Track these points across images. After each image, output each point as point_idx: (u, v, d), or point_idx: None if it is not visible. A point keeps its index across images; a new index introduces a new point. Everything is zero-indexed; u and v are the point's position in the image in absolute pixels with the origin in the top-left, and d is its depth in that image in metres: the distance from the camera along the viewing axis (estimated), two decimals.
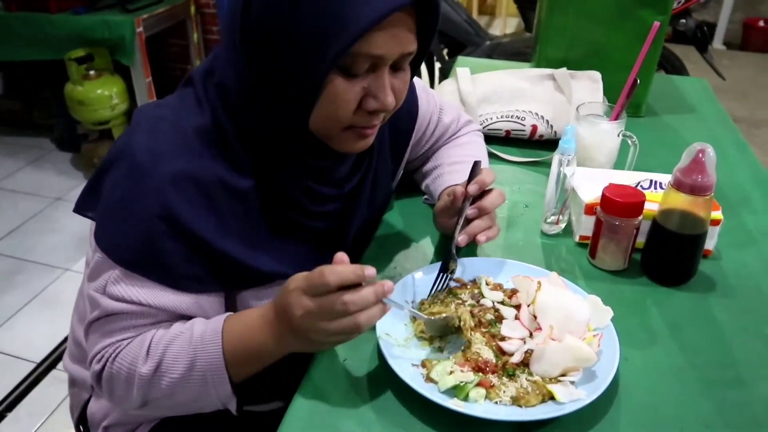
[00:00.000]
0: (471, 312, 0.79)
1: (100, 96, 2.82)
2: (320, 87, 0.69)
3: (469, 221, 0.89)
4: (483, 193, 0.90)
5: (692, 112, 1.53)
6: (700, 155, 0.84)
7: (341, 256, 0.66)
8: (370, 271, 0.64)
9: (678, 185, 0.86)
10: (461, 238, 0.87)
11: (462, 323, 0.76)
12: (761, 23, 4.97)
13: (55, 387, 1.95)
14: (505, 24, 5.35)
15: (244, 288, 0.82)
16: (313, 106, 0.72)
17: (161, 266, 0.72)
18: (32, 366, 2.02)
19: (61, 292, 2.37)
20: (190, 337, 0.72)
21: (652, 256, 0.93)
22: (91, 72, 2.83)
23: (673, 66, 2.93)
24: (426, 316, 0.76)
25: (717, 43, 5.04)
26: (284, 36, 0.67)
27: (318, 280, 0.63)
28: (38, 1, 2.78)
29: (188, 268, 0.74)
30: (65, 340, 2.12)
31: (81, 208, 0.78)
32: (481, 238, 0.87)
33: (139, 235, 0.71)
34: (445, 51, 3.33)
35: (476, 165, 0.92)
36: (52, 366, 2.03)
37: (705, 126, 1.45)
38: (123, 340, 0.73)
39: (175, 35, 3.32)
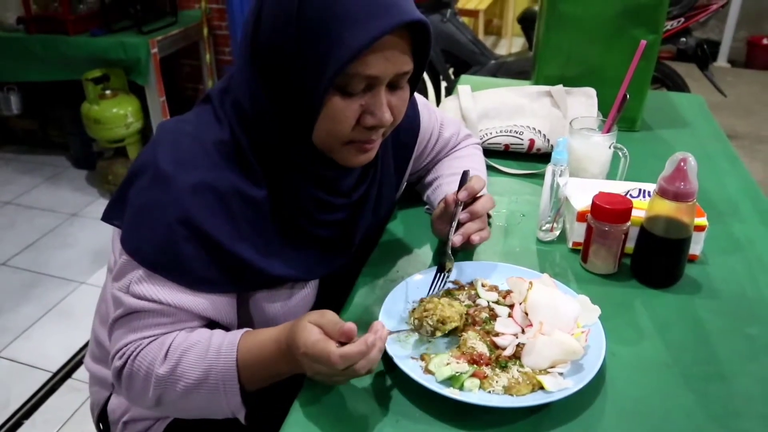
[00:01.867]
0: (468, 313, 0.84)
1: (115, 115, 2.91)
2: (320, 105, 0.75)
3: (462, 224, 0.95)
4: (475, 199, 0.97)
5: (686, 127, 1.58)
6: (683, 164, 0.89)
7: (350, 328, 0.69)
8: (377, 339, 0.69)
9: (662, 192, 0.91)
10: (456, 239, 0.94)
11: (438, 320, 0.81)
12: (765, 41, 5.02)
13: (70, 395, 2.01)
14: (511, 44, 5.45)
15: (256, 290, 0.87)
16: (314, 123, 0.78)
17: (180, 268, 0.78)
18: (48, 375, 2.08)
19: (76, 304, 2.43)
20: (208, 346, 0.76)
21: (641, 260, 0.98)
22: (107, 92, 2.93)
23: (674, 83, 3.00)
24: (408, 328, 0.83)
25: (721, 61, 5.09)
26: (288, 58, 0.74)
27: (326, 361, 0.68)
28: (57, 23, 2.89)
29: (205, 270, 0.79)
30: (80, 350, 2.18)
31: (108, 217, 0.84)
32: (474, 238, 0.94)
33: (161, 238, 0.77)
34: (451, 70, 3.41)
35: (465, 174, 0.99)
36: (68, 375, 2.09)
37: (697, 140, 1.51)
38: (144, 338, 0.78)
39: (188, 56, 3.42)
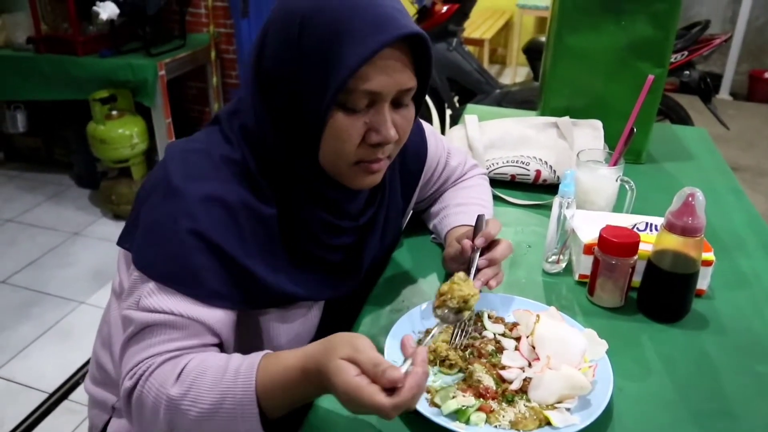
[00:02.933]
0: (473, 344, 0.84)
1: (121, 135, 2.92)
2: (323, 123, 0.76)
3: (479, 270, 0.93)
4: (491, 242, 0.94)
5: (691, 160, 1.59)
6: (690, 199, 0.89)
7: (397, 378, 0.63)
8: (422, 373, 0.65)
9: (670, 227, 0.91)
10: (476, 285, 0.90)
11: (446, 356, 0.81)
12: (767, 75, 5.07)
13: (66, 417, 1.99)
14: (516, 73, 5.51)
15: (263, 308, 0.86)
16: (319, 142, 0.78)
17: (192, 279, 0.76)
18: (44, 396, 2.06)
19: (75, 324, 2.42)
20: (225, 369, 0.71)
21: (648, 294, 0.98)
22: (114, 112, 2.95)
23: (678, 116, 3.01)
24: (435, 325, 0.82)
25: (723, 94, 5.13)
26: (291, 81, 0.76)
27: (376, 411, 0.63)
28: (66, 44, 2.92)
29: (216, 282, 0.78)
30: (77, 371, 2.16)
31: (122, 242, 0.84)
32: (492, 283, 0.92)
33: (172, 249, 0.76)
34: (456, 99, 3.44)
35: (480, 218, 0.97)
36: (64, 397, 2.07)
37: (702, 173, 1.51)
38: (157, 354, 0.74)
39: (195, 78, 3.45)
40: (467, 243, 0.94)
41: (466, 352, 0.83)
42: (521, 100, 3.13)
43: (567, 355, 0.79)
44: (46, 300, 2.56)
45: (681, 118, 3.01)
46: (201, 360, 0.74)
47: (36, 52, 2.98)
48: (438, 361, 0.81)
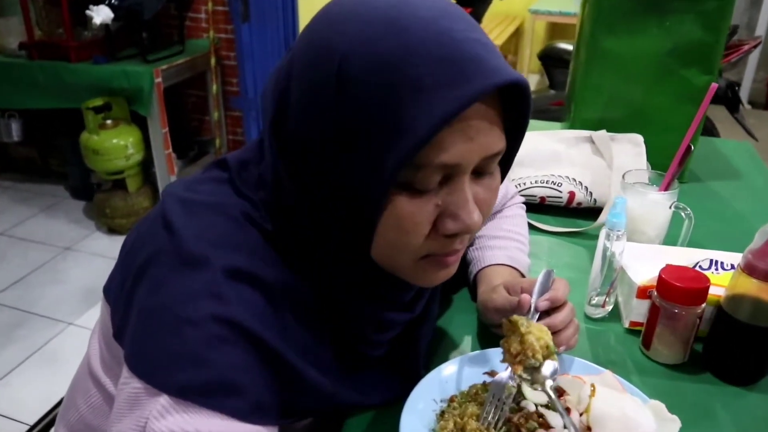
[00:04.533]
0: (510, 419, 0.67)
1: (115, 146, 2.78)
2: (379, 210, 0.54)
3: None
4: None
5: (738, 179, 1.42)
6: None
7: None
8: None
9: (750, 270, 0.74)
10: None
11: None
12: None
13: None
14: (528, 81, 5.34)
15: (309, 417, 0.67)
16: (372, 234, 0.56)
17: (225, 388, 0.53)
18: (24, 429, 1.90)
19: (63, 348, 2.27)
20: None
21: (717, 349, 0.81)
22: (108, 121, 2.80)
23: (704, 127, 2.84)
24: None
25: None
26: (326, 147, 0.53)
27: None
28: (60, 50, 2.78)
29: (257, 390, 0.55)
30: (61, 401, 2.00)
31: (120, 337, 0.61)
32: (560, 349, 0.74)
33: (193, 346, 0.53)
34: None
35: (548, 274, 0.78)
36: (46, 429, 1.91)
37: (755, 194, 1.34)
38: None
39: (194, 86, 3.30)
40: (527, 299, 0.73)
41: (502, 431, 0.66)
42: (537, 110, 2.96)
43: None
44: (32, 321, 2.41)
45: (707, 129, 2.83)
46: None
47: (28, 58, 2.84)
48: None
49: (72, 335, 2.33)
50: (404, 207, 0.54)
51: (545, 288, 0.76)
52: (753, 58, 4.88)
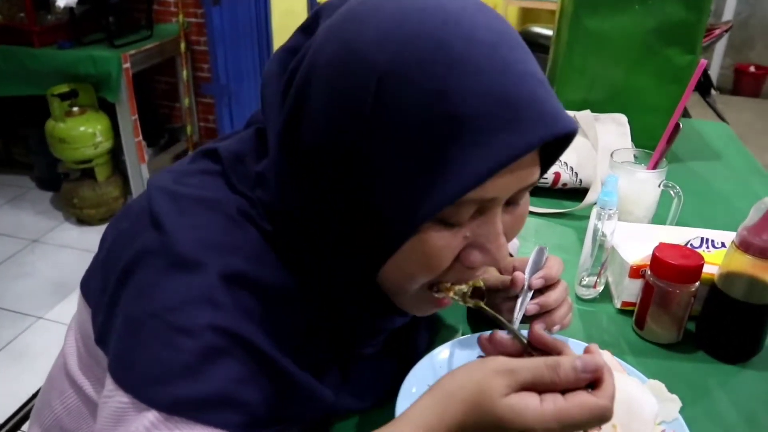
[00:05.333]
0: None
1: (83, 134, 2.69)
2: (403, 242, 0.50)
3: (529, 315, 0.71)
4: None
5: (718, 159, 1.42)
6: None
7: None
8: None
9: (744, 246, 0.74)
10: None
11: None
12: (752, 69, 5.00)
13: None
14: None
15: (301, 425, 0.64)
16: (385, 260, 0.52)
17: (221, 401, 0.50)
18: None
19: (32, 343, 2.19)
20: None
21: (711, 327, 0.80)
22: (74, 108, 2.71)
23: None
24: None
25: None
26: (351, 167, 0.49)
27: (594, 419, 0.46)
28: (22, 34, 2.67)
29: (255, 402, 0.52)
30: (32, 398, 1.93)
31: (99, 337, 0.58)
32: (555, 328, 0.71)
33: (184, 357, 0.49)
34: None
35: (541, 252, 0.75)
36: (15, 429, 1.85)
37: (736, 174, 1.35)
38: None
39: (164, 72, 3.22)
40: (520, 276, 0.71)
41: None
42: None
43: (636, 420, 0.61)
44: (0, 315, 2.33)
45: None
46: None
47: None
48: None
49: (42, 329, 2.26)
50: (433, 242, 0.51)
51: (538, 266, 0.74)
52: (720, 45, 4.95)
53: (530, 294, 0.72)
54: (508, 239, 0.56)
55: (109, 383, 0.51)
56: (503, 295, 0.75)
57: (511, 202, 0.55)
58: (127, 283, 0.53)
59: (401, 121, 0.46)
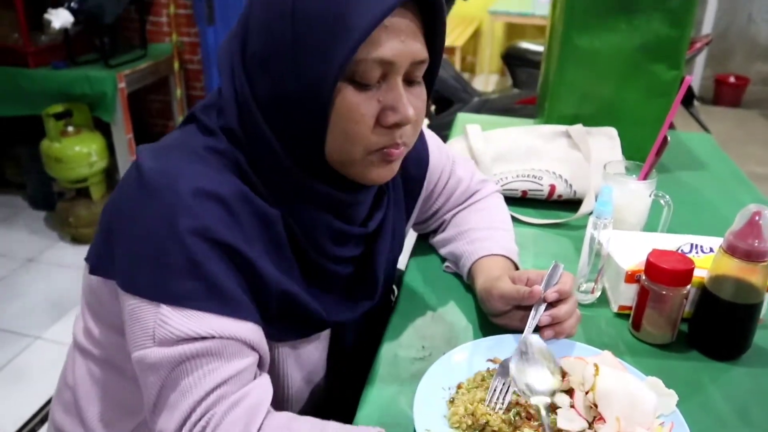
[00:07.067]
0: (517, 402, 0.69)
1: (78, 153, 2.71)
2: (329, 100, 0.64)
3: (541, 328, 0.80)
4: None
5: (703, 169, 1.48)
6: (757, 218, 0.77)
7: None
8: None
9: (731, 250, 0.79)
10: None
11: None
12: (732, 79, 5.12)
13: None
14: (488, 81, 5.42)
15: (279, 327, 0.73)
16: (325, 128, 0.66)
17: (211, 290, 0.63)
18: None
19: (30, 363, 2.19)
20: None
21: (703, 327, 0.85)
22: (70, 128, 2.73)
23: None
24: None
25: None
26: (285, 55, 0.64)
27: None
28: (16, 55, 2.70)
29: (237, 290, 0.66)
30: (31, 419, 1.94)
31: (98, 269, 0.70)
32: (560, 336, 0.81)
33: (177, 258, 0.62)
34: (432, 107, 3.31)
35: (556, 268, 0.83)
36: None
37: (721, 183, 1.40)
38: (206, 395, 0.62)
39: (158, 91, 3.25)
40: (538, 290, 0.79)
41: (511, 413, 0.69)
42: (501, 108, 3.02)
43: (637, 414, 0.65)
44: None
45: None
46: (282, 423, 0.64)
47: None
48: (478, 430, 0.67)
49: (40, 349, 2.26)
50: (351, 98, 0.65)
51: (552, 280, 0.81)
52: (701, 57, 5.07)
53: (543, 306, 0.78)
54: (417, 114, 0.69)
55: (125, 297, 0.64)
56: (512, 304, 0.81)
57: (410, 82, 0.70)
58: (120, 218, 0.67)
59: (310, 13, 0.63)
